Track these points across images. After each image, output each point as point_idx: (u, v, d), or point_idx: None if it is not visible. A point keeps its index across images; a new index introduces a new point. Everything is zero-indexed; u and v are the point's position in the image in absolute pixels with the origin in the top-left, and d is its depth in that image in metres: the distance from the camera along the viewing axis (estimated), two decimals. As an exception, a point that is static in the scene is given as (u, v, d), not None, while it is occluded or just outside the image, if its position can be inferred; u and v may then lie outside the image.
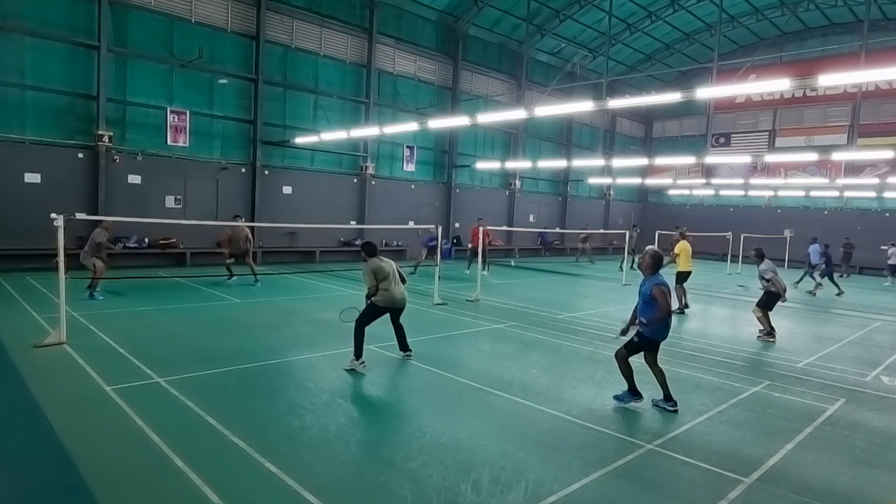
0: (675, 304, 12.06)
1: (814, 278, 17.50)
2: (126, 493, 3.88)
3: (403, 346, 7.63)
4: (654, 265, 6.03)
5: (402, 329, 7.64)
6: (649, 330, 5.94)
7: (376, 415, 5.60)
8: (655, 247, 6.44)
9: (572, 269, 22.38)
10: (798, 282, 18.08)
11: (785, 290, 9.83)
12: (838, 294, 16.73)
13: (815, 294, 16.83)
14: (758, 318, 9.96)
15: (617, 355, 6.14)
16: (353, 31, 20.66)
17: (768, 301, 9.89)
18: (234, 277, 13.77)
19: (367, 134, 19.55)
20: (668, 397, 6.04)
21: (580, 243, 26.10)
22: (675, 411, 5.92)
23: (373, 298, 7.20)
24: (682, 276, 12.64)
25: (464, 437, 5.08)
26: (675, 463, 4.71)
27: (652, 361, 6.14)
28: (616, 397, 6.18)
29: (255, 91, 18.28)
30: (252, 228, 18.19)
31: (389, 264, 7.41)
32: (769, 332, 9.92)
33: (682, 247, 12.66)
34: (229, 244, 13.79)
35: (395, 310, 7.44)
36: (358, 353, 6.98)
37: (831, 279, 17.40)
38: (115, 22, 15.45)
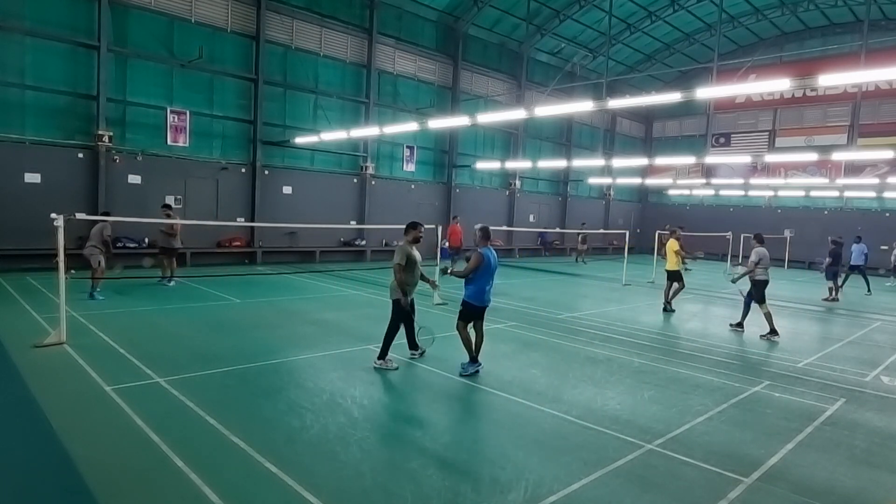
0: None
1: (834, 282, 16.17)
2: (126, 493, 3.88)
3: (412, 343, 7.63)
4: (482, 237, 7.02)
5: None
6: (465, 294, 6.94)
7: (376, 415, 5.60)
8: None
9: (572, 269, 22.38)
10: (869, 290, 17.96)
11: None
12: (831, 299, 15.88)
13: (836, 299, 15.72)
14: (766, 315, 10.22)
15: (457, 327, 7.05)
16: (353, 31, 20.66)
17: (758, 291, 10.36)
18: (174, 281, 13.03)
19: (367, 134, 19.54)
20: (473, 359, 6.98)
21: (579, 244, 25.37)
22: (478, 371, 6.92)
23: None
24: (670, 275, 12.62)
25: (463, 436, 5.08)
26: (675, 463, 4.71)
27: (477, 327, 7.11)
28: (463, 366, 6.95)
29: (255, 91, 18.28)
30: (252, 229, 18.38)
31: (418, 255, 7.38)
32: (772, 330, 10.10)
33: (669, 245, 12.66)
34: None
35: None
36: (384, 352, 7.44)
37: (834, 279, 16.20)
38: (115, 22, 15.45)
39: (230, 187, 18.11)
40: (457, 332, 7.08)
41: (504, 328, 9.89)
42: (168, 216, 13.03)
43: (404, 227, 7.39)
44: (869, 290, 17.89)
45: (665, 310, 12.58)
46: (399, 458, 4.59)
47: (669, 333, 10.21)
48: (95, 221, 11.31)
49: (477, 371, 6.94)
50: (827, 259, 15.61)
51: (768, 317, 10.13)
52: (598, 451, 4.86)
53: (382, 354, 7.11)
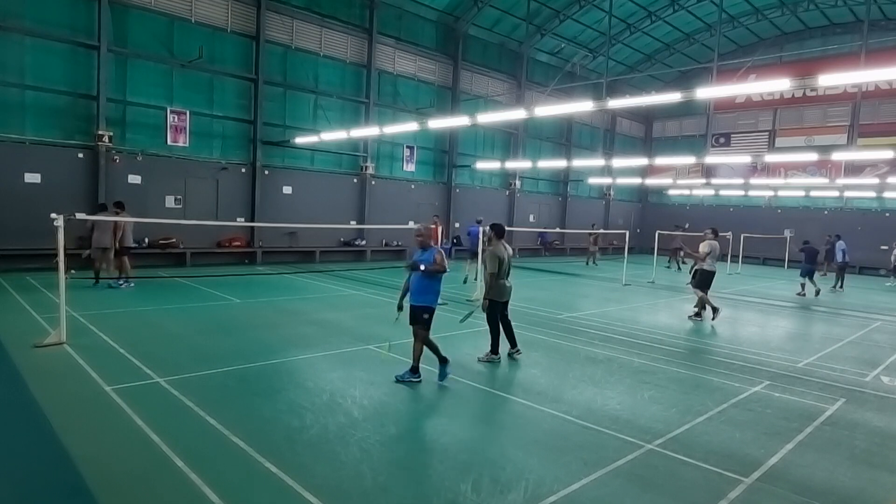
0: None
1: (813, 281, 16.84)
2: (126, 493, 3.88)
3: (513, 342, 7.84)
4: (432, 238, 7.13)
5: (510, 325, 7.84)
6: (430, 300, 6.50)
7: (376, 415, 5.59)
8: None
9: (572, 269, 22.35)
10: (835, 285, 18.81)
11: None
12: (816, 293, 16.33)
13: (804, 294, 16.41)
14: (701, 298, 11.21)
15: (427, 339, 6.49)
16: (353, 31, 20.66)
17: (703, 280, 11.19)
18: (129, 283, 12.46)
19: (367, 134, 19.55)
20: (416, 369, 6.57)
21: (591, 245, 24.24)
22: (419, 381, 6.51)
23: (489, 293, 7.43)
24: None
25: (464, 437, 5.08)
26: (675, 463, 4.71)
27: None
28: (400, 377, 6.54)
29: (255, 91, 18.28)
30: (252, 229, 18.39)
31: (509, 253, 7.52)
32: (699, 313, 11.28)
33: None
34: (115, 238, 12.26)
35: (503, 303, 7.66)
36: (493, 349, 7.58)
37: (811, 278, 16.71)
38: (115, 22, 15.45)
39: (230, 187, 18.11)
40: (422, 342, 6.49)
41: (504, 328, 9.88)
42: (117, 213, 12.27)
43: (495, 227, 7.73)
44: (841, 287, 18.68)
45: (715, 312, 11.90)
46: (399, 457, 4.59)
47: (669, 333, 10.21)
48: (96, 221, 11.45)
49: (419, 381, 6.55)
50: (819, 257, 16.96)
51: (701, 301, 11.11)
52: (598, 451, 4.85)
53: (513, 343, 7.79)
